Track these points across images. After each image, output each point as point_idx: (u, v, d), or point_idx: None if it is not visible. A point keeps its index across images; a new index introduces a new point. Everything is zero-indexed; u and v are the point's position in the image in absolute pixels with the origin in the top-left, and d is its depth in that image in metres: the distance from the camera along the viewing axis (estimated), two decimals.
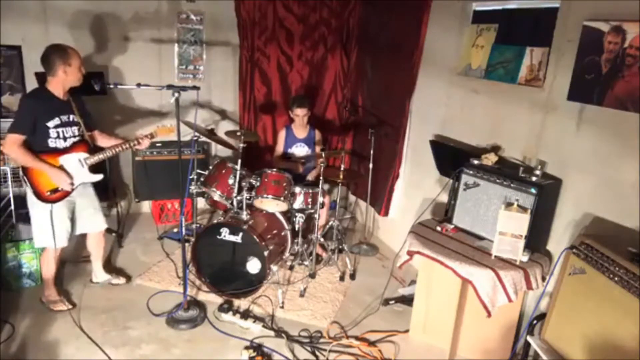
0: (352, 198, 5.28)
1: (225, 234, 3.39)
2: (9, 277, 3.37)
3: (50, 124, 2.91)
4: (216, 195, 3.62)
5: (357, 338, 3.13)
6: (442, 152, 3.58)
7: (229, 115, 5.02)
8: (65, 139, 3.00)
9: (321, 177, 3.67)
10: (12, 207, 3.56)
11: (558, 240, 2.83)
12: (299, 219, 3.86)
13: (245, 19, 4.65)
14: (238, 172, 3.58)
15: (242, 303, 3.43)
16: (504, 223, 2.72)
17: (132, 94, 4.55)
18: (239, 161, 3.59)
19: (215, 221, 3.59)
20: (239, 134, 3.64)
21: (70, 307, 3.20)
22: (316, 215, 3.77)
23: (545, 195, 2.71)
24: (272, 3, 4.70)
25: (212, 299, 3.44)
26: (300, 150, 4.37)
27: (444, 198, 3.48)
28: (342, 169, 3.81)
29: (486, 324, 2.88)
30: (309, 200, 3.80)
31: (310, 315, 3.35)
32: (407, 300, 3.47)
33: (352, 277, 3.94)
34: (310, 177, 4.35)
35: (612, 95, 2.47)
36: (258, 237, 3.33)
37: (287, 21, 4.82)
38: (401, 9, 4.20)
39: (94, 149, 3.16)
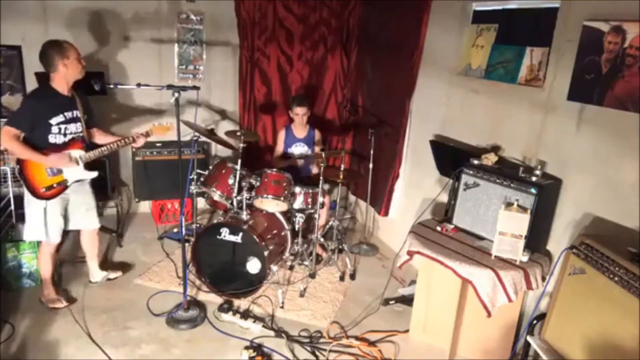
0: (352, 198, 5.28)
1: (225, 234, 3.39)
2: (9, 277, 3.37)
3: (54, 120, 2.92)
4: (216, 195, 3.62)
5: (357, 338, 3.13)
6: (442, 152, 3.58)
7: (229, 115, 5.02)
8: (65, 134, 3.00)
9: (321, 177, 3.67)
10: (12, 207, 3.56)
11: (558, 240, 2.83)
12: (299, 219, 3.86)
13: (245, 19, 4.65)
14: (238, 172, 3.58)
15: (242, 303, 3.43)
16: (504, 223, 2.72)
17: (131, 93, 4.55)
18: (239, 161, 3.59)
19: (215, 221, 3.59)
20: (239, 134, 3.64)
21: (67, 304, 3.20)
22: (316, 215, 3.77)
23: (545, 195, 2.71)
24: (272, 3, 4.70)
25: (212, 299, 3.44)
26: (300, 150, 4.37)
27: (444, 198, 3.48)
28: (342, 169, 3.81)
29: (486, 324, 2.88)
30: (309, 200, 3.80)
31: (310, 315, 3.35)
32: (407, 300, 3.47)
33: (352, 277, 3.94)
34: (314, 170, 4.35)
35: (612, 95, 2.47)
36: (258, 237, 3.33)
37: (287, 21, 4.82)
38: (401, 9, 4.20)
39: (89, 146, 3.17)
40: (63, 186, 3.05)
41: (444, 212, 3.44)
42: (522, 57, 3.07)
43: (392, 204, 4.44)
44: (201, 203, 4.60)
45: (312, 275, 3.81)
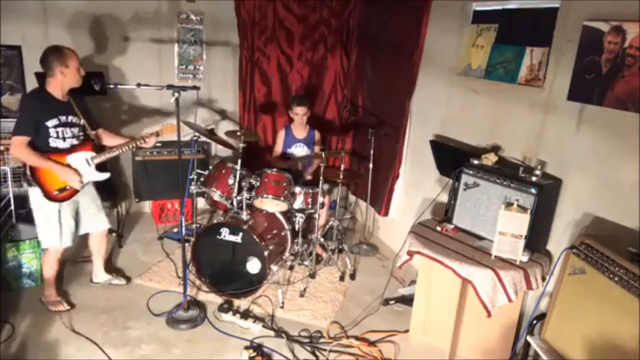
0: (352, 198, 5.28)
1: (225, 234, 3.39)
2: (9, 277, 3.37)
3: (50, 123, 2.91)
4: (216, 195, 3.62)
5: (357, 338, 3.13)
6: (442, 152, 3.58)
7: (229, 115, 5.02)
8: (64, 139, 2.99)
9: (321, 177, 3.67)
10: (12, 207, 3.56)
11: (558, 240, 2.83)
12: (299, 219, 3.86)
13: (245, 19, 4.65)
14: (238, 172, 3.58)
15: (242, 303, 3.43)
16: (504, 223, 2.72)
17: (133, 93, 4.55)
18: (239, 161, 3.59)
19: (215, 221, 3.59)
20: (239, 134, 3.64)
21: (69, 307, 3.20)
22: (316, 215, 3.77)
23: (545, 195, 2.71)
24: (272, 3, 4.70)
25: (212, 299, 3.44)
26: (299, 150, 4.37)
27: (444, 198, 3.48)
28: (342, 169, 3.81)
29: (486, 324, 2.88)
30: (309, 200, 3.80)
31: (310, 315, 3.35)
32: (407, 300, 3.47)
33: (352, 277, 3.94)
34: (307, 174, 4.35)
35: (612, 95, 2.47)
36: (258, 237, 3.33)
37: (287, 21, 4.82)
38: (401, 9, 4.20)
39: (99, 148, 3.17)
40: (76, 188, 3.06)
41: (444, 212, 3.44)
42: (522, 57, 3.07)
43: (392, 204, 4.44)
44: (201, 203, 4.59)
45: (312, 275, 3.81)
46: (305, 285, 3.69)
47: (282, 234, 3.73)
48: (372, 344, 3.08)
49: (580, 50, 2.63)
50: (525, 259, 2.74)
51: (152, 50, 4.56)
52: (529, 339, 2.61)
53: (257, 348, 2.93)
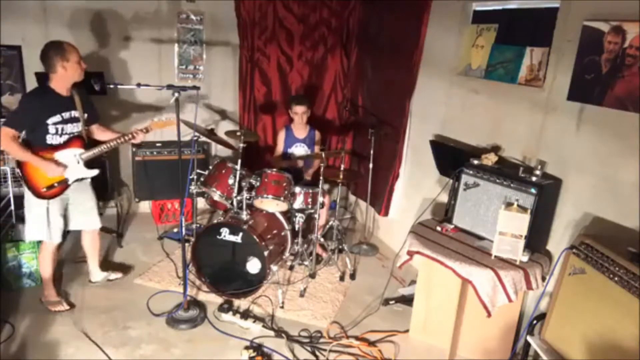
0: (352, 198, 5.28)
1: (225, 234, 3.39)
2: (9, 277, 3.37)
3: (50, 120, 2.91)
4: (216, 195, 3.61)
5: (357, 338, 3.13)
6: (442, 152, 3.57)
7: (229, 115, 5.02)
8: (62, 135, 3.00)
9: (321, 177, 3.67)
10: (12, 207, 3.56)
11: (558, 240, 2.83)
12: (299, 219, 3.86)
13: (245, 19, 4.65)
14: (238, 172, 3.58)
15: (242, 303, 3.43)
16: (504, 223, 2.72)
17: (131, 91, 4.54)
18: (239, 161, 3.58)
19: (215, 221, 3.59)
20: (239, 134, 3.64)
21: (69, 307, 3.20)
22: (316, 215, 3.77)
23: (545, 195, 2.71)
24: (272, 3, 4.70)
25: (212, 299, 3.43)
26: (299, 150, 4.37)
27: (444, 198, 3.48)
28: (342, 169, 3.81)
29: (486, 324, 2.88)
30: (309, 200, 3.80)
31: (310, 315, 3.35)
32: (407, 300, 3.47)
33: (352, 277, 3.94)
34: (308, 175, 4.36)
35: (612, 95, 2.47)
36: (258, 237, 3.33)
37: (287, 21, 4.82)
38: (401, 9, 4.20)
39: (89, 144, 3.16)
40: (64, 185, 3.05)
41: (444, 212, 3.44)
42: (522, 57, 3.07)
43: (392, 204, 4.44)
44: (201, 203, 4.60)
45: (312, 275, 3.81)
46: (305, 285, 3.69)
47: (282, 234, 3.73)
48: (372, 344, 3.08)
49: (580, 50, 2.62)
50: (525, 259, 2.74)
51: (152, 50, 4.56)
52: (529, 339, 2.61)
53: (257, 348, 2.93)
